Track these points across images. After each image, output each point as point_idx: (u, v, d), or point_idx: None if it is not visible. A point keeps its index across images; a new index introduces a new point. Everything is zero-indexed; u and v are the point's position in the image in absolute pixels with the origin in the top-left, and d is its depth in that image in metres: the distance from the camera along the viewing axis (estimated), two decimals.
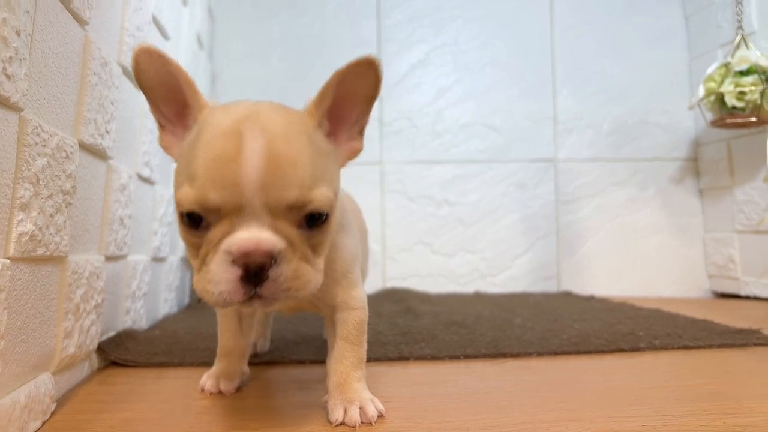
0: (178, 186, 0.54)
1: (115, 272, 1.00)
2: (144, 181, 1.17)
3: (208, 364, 0.84)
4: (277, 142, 0.51)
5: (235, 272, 0.49)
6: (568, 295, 1.91)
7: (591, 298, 1.82)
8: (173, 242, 1.51)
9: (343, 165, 0.61)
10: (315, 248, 0.55)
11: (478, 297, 1.86)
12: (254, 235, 0.49)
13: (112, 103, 0.91)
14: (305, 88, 2.21)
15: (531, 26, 2.18)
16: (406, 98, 2.13)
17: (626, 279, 2.07)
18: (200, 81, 1.79)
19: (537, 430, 0.61)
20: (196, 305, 1.71)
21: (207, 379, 0.78)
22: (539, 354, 0.99)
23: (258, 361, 0.93)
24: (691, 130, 2.14)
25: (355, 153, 0.61)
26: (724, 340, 1.06)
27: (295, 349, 1.01)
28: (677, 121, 2.14)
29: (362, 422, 0.63)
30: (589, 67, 2.16)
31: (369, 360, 0.73)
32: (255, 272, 0.49)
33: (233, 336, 0.80)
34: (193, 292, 1.83)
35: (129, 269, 1.07)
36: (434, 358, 0.96)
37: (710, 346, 1.04)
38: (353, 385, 0.68)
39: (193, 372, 0.88)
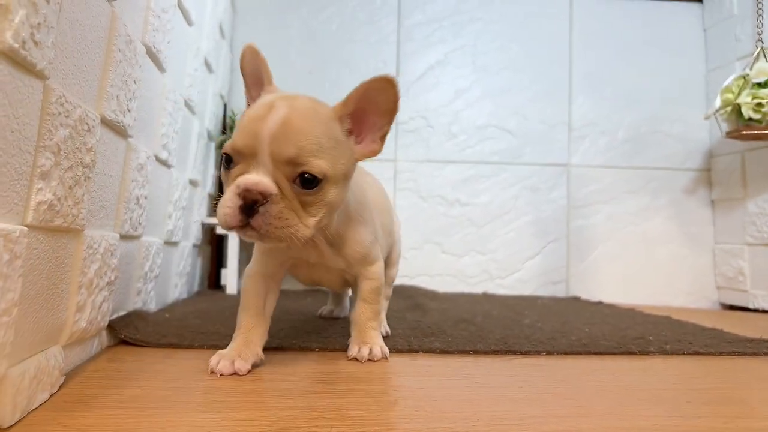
0: None
1: (129, 252, 1.00)
2: (161, 164, 1.18)
3: (218, 347, 0.84)
4: (295, 115, 0.67)
5: (237, 202, 0.64)
6: (576, 300, 1.90)
7: (599, 304, 1.81)
8: (186, 228, 1.51)
9: (360, 159, 0.75)
10: (306, 206, 0.68)
11: (487, 297, 1.86)
12: (255, 177, 0.65)
13: (134, 82, 0.91)
14: (321, 84, 2.21)
15: (550, 31, 2.17)
16: (423, 98, 2.13)
17: (634, 287, 2.05)
18: (221, 70, 1.80)
19: (548, 424, 0.61)
20: (206, 292, 1.72)
21: (220, 359, 0.76)
22: (549, 353, 0.98)
23: (270, 346, 0.92)
24: (706, 141, 2.13)
25: (373, 153, 0.75)
26: (735, 348, 1.05)
27: (307, 338, 1.00)
28: (692, 131, 2.13)
29: (368, 359, 0.86)
30: (605, 74, 2.15)
31: None
32: (249, 205, 0.64)
33: (256, 314, 0.82)
34: (203, 279, 1.83)
35: (142, 250, 1.07)
36: (444, 351, 0.96)
37: (720, 354, 1.03)
38: (369, 332, 0.90)
39: (203, 354, 0.87)
